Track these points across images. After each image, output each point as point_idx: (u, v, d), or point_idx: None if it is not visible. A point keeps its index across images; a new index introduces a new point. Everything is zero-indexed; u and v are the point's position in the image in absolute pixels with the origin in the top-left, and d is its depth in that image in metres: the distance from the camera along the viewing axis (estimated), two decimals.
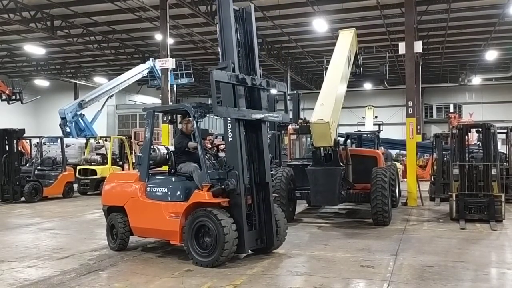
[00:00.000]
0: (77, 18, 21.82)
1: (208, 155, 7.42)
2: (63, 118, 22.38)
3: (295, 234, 8.78)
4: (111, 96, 26.26)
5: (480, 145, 12.36)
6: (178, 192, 7.11)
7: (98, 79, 35.64)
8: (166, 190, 7.21)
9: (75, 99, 31.95)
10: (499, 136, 12.52)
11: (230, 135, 6.72)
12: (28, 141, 19.48)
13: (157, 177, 7.58)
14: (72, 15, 21.48)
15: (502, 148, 14.52)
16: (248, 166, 6.89)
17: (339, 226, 10.11)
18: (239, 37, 7.14)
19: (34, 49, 27.03)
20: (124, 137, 19.47)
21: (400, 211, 12.07)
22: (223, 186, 6.58)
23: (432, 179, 15.11)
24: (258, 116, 6.93)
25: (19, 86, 26.68)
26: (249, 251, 6.90)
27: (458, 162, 10.61)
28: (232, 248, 6.42)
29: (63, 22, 22.23)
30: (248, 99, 7.10)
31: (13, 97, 25.85)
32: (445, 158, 14.31)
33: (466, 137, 11.13)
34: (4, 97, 25.72)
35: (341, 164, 9.58)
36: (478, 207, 10.25)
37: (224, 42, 6.93)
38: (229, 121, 6.71)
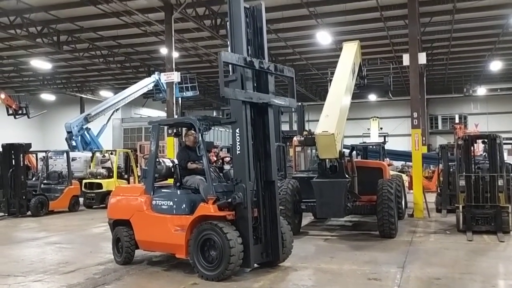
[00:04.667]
0: (83, 33, 22.04)
1: (213, 167, 7.43)
2: (69, 132, 22.49)
3: (301, 247, 8.73)
4: (117, 109, 26.39)
5: (486, 156, 12.30)
6: (184, 205, 7.11)
7: (104, 93, 35.87)
8: (171, 203, 7.22)
9: (81, 113, 32.10)
10: (505, 146, 12.49)
11: (238, 148, 6.71)
12: (34, 155, 19.57)
13: (163, 190, 7.59)
14: (78, 30, 21.70)
15: (508, 158, 14.45)
16: (254, 164, 6.86)
17: (345, 238, 10.06)
18: (248, 36, 7.15)
19: (41, 64, 27.26)
20: (129, 150, 19.53)
21: (406, 223, 12.00)
22: (229, 200, 6.57)
23: (439, 191, 15.02)
24: (265, 99, 6.93)
25: (26, 100, 26.90)
26: (255, 265, 6.87)
27: (464, 173, 10.57)
28: (238, 262, 6.39)
29: (69, 37, 22.45)
30: (255, 84, 7.10)
31: (20, 112, 26.04)
32: (451, 169, 14.24)
33: (472, 148, 11.08)
34: (11, 112, 25.93)
35: (347, 176, 9.55)
36: (485, 219, 10.17)
37: (233, 41, 6.93)
38: (238, 133, 6.69)
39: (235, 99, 6.64)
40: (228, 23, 7.10)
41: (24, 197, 14.32)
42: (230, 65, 6.85)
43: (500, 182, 10.19)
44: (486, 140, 11.19)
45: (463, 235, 9.99)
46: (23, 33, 20.13)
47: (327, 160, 9.53)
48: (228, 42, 7.13)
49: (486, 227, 10.13)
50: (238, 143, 6.71)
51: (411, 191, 14.76)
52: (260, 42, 7.26)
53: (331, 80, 11.38)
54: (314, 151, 12.16)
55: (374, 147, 18.49)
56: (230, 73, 6.94)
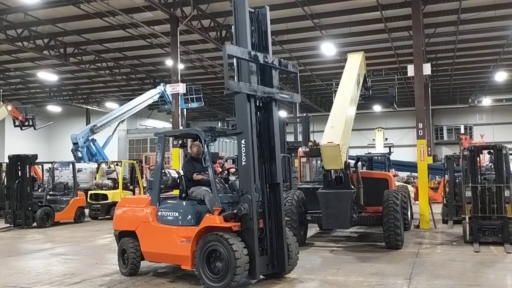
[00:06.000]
0: (89, 45, 22.25)
1: (219, 178, 7.44)
2: (75, 143, 22.62)
3: (307, 258, 8.70)
4: (123, 121, 26.54)
5: (492, 166, 12.25)
6: (189, 217, 7.12)
7: (109, 104, 36.08)
8: (177, 214, 7.22)
9: (86, 124, 32.33)
10: (511, 157, 12.41)
11: (243, 158, 6.70)
12: (40, 166, 19.65)
13: (168, 201, 7.60)
14: (85, 42, 21.91)
15: None
16: (259, 167, 6.86)
17: (351, 250, 10.01)
18: (253, 39, 7.18)
19: (47, 76, 27.53)
20: (135, 162, 19.58)
21: (412, 234, 11.94)
22: (235, 211, 6.56)
23: (445, 201, 14.95)
24: (269, 93, 6.93)
25: (32, 112, 27.12)
26: (261, 276, 6.85)
27: (470, 184, 10.52)
28: (244, 273, 6.37)
29: (75, 49, 22.68)
30: (259, 79, 7.13)
31: (26, 123, 26.25)
32: (457, 180, 14.18)
33: (478, 159, 11.04)
34: (17, 123, 26.14)
35: (352, 186, 9.54)
36: (492, 230, 10.11)
37: (239, 44, 6.95)
38: (243, 144, 6.70)
39: (240, 92, 6.64)
40: (233, 27, 7.15)
41: (30, 208, 14.34)
42: (234, 61, 6.87)
43: (507, 193, 10.12)
44: (492, 151, 11.14)
45: (470, 246, 9.92)
46: (30, 45, 20.35)
47: (333, 171, 9.51)
48: None
49: (493, 238, 10.06)
50: (244, 154, 6.71)
51: (417, 202, 14.70)
52: (265, 45, 7.28)
53: (336, 91, 11.40)
54: (319, 162, 12.16)
55: (379, 157, 18.46)
56: (235, 70, 6.96)
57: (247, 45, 6.89)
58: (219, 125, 40.97)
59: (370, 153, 22.28)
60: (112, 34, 20.68)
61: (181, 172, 7.98)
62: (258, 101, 7.01)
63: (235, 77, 6.89)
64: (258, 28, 7.32)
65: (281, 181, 7.17)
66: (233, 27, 7.15)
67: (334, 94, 11.77)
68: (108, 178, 18.17)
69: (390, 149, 26.08)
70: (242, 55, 6.59)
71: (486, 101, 34.84)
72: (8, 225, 14.48)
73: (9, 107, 24.92)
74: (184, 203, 7.37)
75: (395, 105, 15.74)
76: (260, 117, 7.13)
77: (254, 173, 6.70)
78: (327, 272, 7.79)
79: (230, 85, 6.43)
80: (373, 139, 34.18)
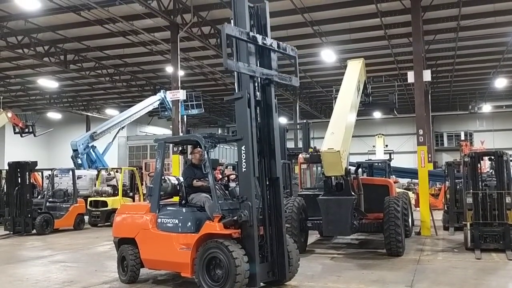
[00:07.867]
0: (89, 52, 22.31)
1: (219, 185, 7.42)
2: (74, 150, 22.59)
3: (307, 265, 8.65)
4: (123, 127, 26.52)
5: (493, 173, 12.23)
6: (189, 224, 7.08)
7: (109, 111, 36.12)
8: (176, 221, 7.19)
9: (86, 131, 32.30)
10: None
11: (244, 165, 6.66)
12: (40, 173, 19.61)
13: (168, 208, 7.56)
14: (85, 49, 21.97)
15: None
16: (258, 161, 6.83)
17: (352, 257, 9.96)
18: (252, 32, 7.10)
19: (48, 83, 27.57)
20: (135, 168, 19.55)
21: (413, 241, 11.89)
22: (235, 218, 6.52)
23: (445, 208, 14.91)
24: (268, 74, 6.89)
25: (32, 119, 27.15)
26: (261, 284, 6.80)
27: (471, 190, 10.49)
28: (244, 281, 6.32)
29: (76, 56, 22.73)
30: (258, 61, 7.10)
31: (26, 130, 26.26)
32: (458, 187, 14.15)
33: (479, 165, 11.02)
34: (17, 130, 26.14)
35: (353, 193, 9.50)
36: (493, 236, 10.07)
37: (237, 41, 6.91)
38: (243, 151, 6.65)
39: (238, 72, 6.60)
40: (232, 21, 7.10)
41: (29, 215, 14.29)
42: (234, 43, 6.82)
43: (508, 200, 10.09)
44: (492, 157, 11.12)
45: (471, 253, 9.87)
46: (30, 52, 20.40)
47: (333, 177, 9.49)
48: (233, 49, 7.14)
49: (495, 245, 10.01)
50: (244, 160, 6.66)
51: (418, 208, 14.65)
52: None
53: (336, 98, 11.39)
54: (319, 168, 12.13)
55: (379, 164, 18.42)
56: (233, 51, 6.90)
57: (246, 49, 6.84)
58: (219, 131, 40.97)
59: (370, 159, 22.24)
60: (112, 41, 20.73)
61: (181, 179, 7.95)
62: (257, 88, 6.94)
63: (234, 59, 6.81)
64: (258, 22, 7.29)
65: (281, 176, 7.11)
66: (232, 21, 7.07)
67: (334, 101, 11.76)
68: (108, 185, 18.14)
69: (390, 156, 26.08)
70: (240, 36, 6.51)
71: (486, 107, 34.88)
72: (8, 232, 14.43)
73: (9, 114, 24.93)
74: (184, 210, 7.33)
75: (395, 112, 15.73)
76: (259, 111, 7.08)
77: (254, 180, 6.65)
78: (327, 279, 7.75)
79: (229, 65, 6.34)
80: (374, 146, 34.11)
